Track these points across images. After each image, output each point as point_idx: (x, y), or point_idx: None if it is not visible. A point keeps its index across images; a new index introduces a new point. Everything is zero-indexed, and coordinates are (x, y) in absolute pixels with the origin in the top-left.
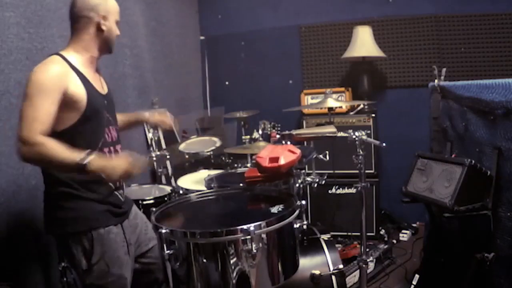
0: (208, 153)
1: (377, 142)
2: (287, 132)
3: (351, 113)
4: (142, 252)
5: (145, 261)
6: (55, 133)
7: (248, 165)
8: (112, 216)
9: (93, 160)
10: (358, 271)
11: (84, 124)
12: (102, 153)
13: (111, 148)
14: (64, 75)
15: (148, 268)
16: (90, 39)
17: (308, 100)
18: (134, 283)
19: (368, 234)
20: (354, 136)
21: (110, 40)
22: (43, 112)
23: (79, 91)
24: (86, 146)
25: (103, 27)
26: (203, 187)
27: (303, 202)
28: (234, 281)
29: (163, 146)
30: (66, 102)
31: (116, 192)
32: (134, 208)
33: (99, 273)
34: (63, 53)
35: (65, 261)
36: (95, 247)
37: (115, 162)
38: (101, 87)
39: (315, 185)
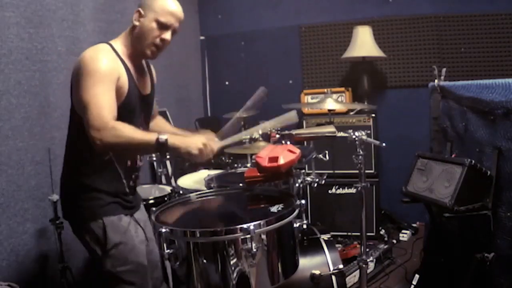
0: None
1: (377, 142)
2: (287, 132)
3: (351, 113)
4: None
5: None
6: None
7: (248, 165)
8: (122, 207)
9: (170, 137)
10: (358, 271)
11: (118, 116)
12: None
13: None
14: (116, 63)
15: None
16: (128, 34)
17: (308, 100)
18: None
19: (368, 234)
20: (354, 136)
21: (141, 40)
22: (108, 99)
23: (124, 82)
24: None
25: (135, 22)
26: (203, 187)
27: (303, 201)
28: (234, 281)
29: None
30: (115, 91)
31: (127, 189)
32: (142, 206)
33: (115, 260)
34: (112, 42)
35: (66, 260)
36: (108, 234)
37: (190, 140)
38: (144, 86)
39: (315, 185)
